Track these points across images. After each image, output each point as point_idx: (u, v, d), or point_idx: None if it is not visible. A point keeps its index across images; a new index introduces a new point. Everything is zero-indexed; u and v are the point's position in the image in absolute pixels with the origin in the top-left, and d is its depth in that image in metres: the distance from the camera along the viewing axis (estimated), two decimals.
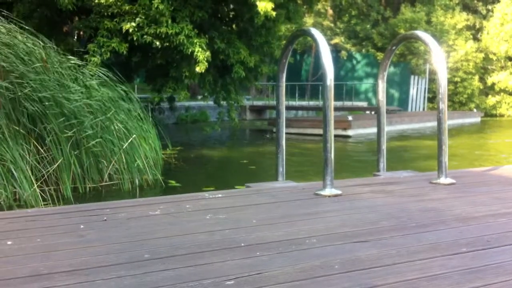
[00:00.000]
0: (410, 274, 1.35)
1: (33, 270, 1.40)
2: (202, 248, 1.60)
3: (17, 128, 5.40)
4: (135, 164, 6.38)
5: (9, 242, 1.66)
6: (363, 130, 12.72)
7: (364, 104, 20.76)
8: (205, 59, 7.79)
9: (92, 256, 1.53)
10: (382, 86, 3.11)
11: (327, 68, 2.39)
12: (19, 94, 5.53)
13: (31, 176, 5.16)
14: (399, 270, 1.39)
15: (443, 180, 2.67)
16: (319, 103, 17.33)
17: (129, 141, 6.40)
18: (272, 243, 1.65)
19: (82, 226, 1.86)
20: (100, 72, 7.44)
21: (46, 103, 5.76)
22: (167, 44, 7.93)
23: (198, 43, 7.79)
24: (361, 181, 2.78)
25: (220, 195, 2.38)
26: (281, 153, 2.74)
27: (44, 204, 4.95)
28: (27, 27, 6.50)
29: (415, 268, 1.40)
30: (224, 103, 9.81)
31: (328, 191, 2.34)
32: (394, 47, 3.13)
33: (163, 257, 1.52)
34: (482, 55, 22.97)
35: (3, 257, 1.52)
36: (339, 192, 2.35)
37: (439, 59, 2.70)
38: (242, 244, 1.63)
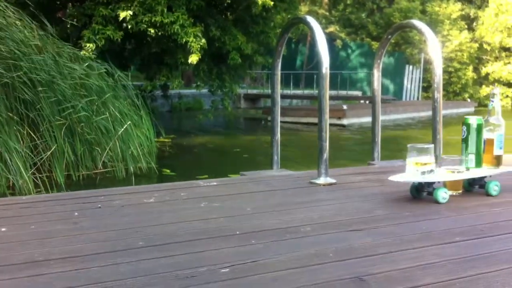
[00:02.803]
0: (404, 262, 1.36)
1: (28, 257, 1.40)
2: (197, 236, 1.60)
3: (11, 114, 5.37)
4: (129, 152, 6.37)
5: (3, 229, 1.66)
6: (357, 120, 12.73)
7: (358, 93, 20.75)
8: (199, 49, 7.76)
9: (87, 243, 1.53)
10: (377, 75, 3.11)
11: (323, 57, 2.38)
12: (13, 79, 5.50)
13: (25, 163, 5.14)
14: (393, 258, 1.40)
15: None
16: (314, 92, 17.31)
17: (123, 128, 6.39)
18: (267, 231, 1.65)
19: (76, 213, 1.85)
20: (95, 59, 7.41)
21: (40, 88, 5.72)
22: (162, 33, 7.89)
23: (192, 33, 7.75)
24: (356, 170, 2.78)
25: (215, 183, 2.38)
26: (276, 141, 2.74)
27: (37, 191, 4.93)
28: (24, 14, 6.45)
29: (409, 256, 1.41)
30: (218, 91, 9.79)
31: (323, 180, 2.34)
32: (389, 36, 3.12)
33: (158, 244, 1.52)
34: (476, 45, 22.99)
35: None
36: (333, 180, 2.36)
37: (435, 48, 2.70)
38: (237, 232, 1.63)
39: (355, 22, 23.50)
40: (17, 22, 6.24)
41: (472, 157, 2.10)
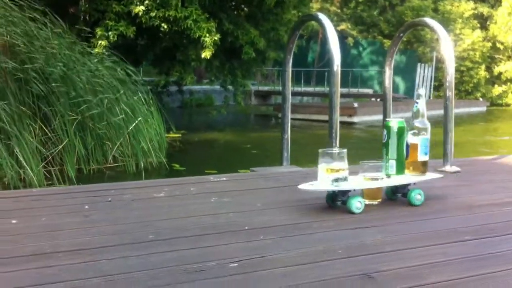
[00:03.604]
0: (413, 260, 1.36)
1: (38, 249, 1.41)
2: (206, 231, 1.60)
3: (23, 108, 5.41)
4: (140, 147, 6.40)
5: (13, 221, 1.67)
6: (368, 117, 12.69)
7: (369, 91, 20.68)
8: (212, 44, 7.76)
9: (97, 236, 1.54)
10: (389, 73, 3.09)
11: (334, 54, 2.38)
12: (26, 73, 5.53)
13: (37, 156, 5.18)
14: (402, 256, 1.39)
15: (448, 168, 2.66)
16: (325, 89, 17.28)
17: (134, 124, 6.41)
18: (276, 227, 1.65)
19: (86, 207, 1.86)
20: (107, 55, 7.44)
21: (53, 84, 5.76)
22: (175, 28, 7.90)
23: (206, 28, 7.75)
24: None
25: (224, 179, 2.39)
26: (286, 138, 2.74)
27: (48, 184, 4.97)
28: (38, 9, 6.49)
29: (418, 255, 1.41)
30: (230, 87, 9.79)
31: None
32: (401, 34, 3.11)
33: (168, 238, 1.53)
34: (489, 44, 22.81)
35: (8, 236, 1.53)
36: None
37: (447, 47, 2.68)
38: (246, 228, 1.63)
39: (367, 20, 23.40)
40: (29, 16, 6.28)
41: (393, 163, 1.90)
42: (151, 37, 9.15)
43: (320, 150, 1.80)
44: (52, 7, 6.94)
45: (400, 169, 1.91)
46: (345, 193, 1.80)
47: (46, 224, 1.66)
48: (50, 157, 5.41)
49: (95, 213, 1.79)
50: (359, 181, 1.86)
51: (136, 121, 6.45)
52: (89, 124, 5.94)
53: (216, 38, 7.70)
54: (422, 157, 1.95)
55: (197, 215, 1.78)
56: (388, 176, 1.90)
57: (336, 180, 1.76)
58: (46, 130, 5.57)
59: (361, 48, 23.15)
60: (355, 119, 12.25)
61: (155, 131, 7.08)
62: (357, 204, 1.78)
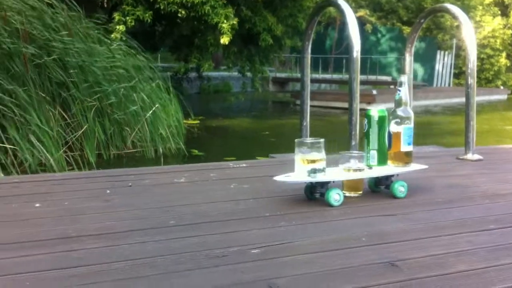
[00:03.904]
0: (437, 249, 1.34)
1: (62, 233, 1.42)
2: (227, 217, 1.60)
3: (43, 94, 5.44)
4: (158, 133, 6.42)
5: (37, 205, 1.68)
6: (387, 105, 12.59)
7: (388, 78, 20.50)
8: (230, 29, 7.73)
9: (119, 221, 1.55)
10: (409, 60, 3.05)
11: (354, 40, 2.35)
12: (45, 59, 5.56)
13: (57, 141, 5.23)
14: (426, 245, 1.38)
15: (470, 156, 2.63)
16: (343, 76, 17.18)
17: (152, 110, 6.43)
18: (296, 214, 1.64)
19: (108, 191, 1.87)
20: (124, 41, 7.45)
21: (71, 71, 5.79)
22: (193, 14, 7.88)
23: (223, 14, 7.72)
24: None
25: (244, 165, 2.38)
26: (305, 125, 2.72)
27: (69, 169, 5.02)
28: None
29: (442, 243, 1.39)
30: (249, 73, 9.77)
31: None
32: (422, 20, 3.06)
33: (188, 224, 1.53)
34: (510, 31, 22.44)
35: (32, 219, 1.54)
36: None
37: (469, 33, 2.64)
38: (267, 214, 1.63)
39: (386, 7, 23.15)
40: (47, 2, 6.31)
41: (374, 154, 1.82)
42: (169, 23, 9.15)
43: (296, 140, 1.73)
44: None
45: (382, 160, 1.84)
46: (323, 184, 1.73)
47: (68, 208, 1.67)
48: (70, 143, 5.45)
49: (117, 198, 1.80)
50: (338, 173, 1.77)
51: (154, 108, 6.47)
52: (107, 110, 5.97)
53: (234, 22, 7.67)
54: (405, 147, 1.86)
55: (218, 201, 1.78)
56: (370, 167, 1.83)
57: (313, 171, 1.68)
58: (66, 116, 5.61)
59: (379, 35, 22.93)
60: (374, 106, 12.16)
61: (173, 117, 7.11)
62: (335, 197, 1.70)
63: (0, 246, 1.32)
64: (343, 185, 1.81)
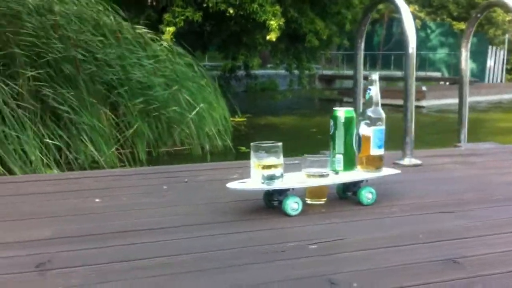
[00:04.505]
0: (500, 246, 1.31)
1: (121, 227, 1.46)
2: (282, 212, 1.60)
3: (94, 96, 5.59)
4: (205, 131, 6.50)
5: (97, 200, 1.73)
6: (437, 101, 12.33)
7: (437, 74, 20.09)
8: (278, 27, 7.75)
9: (176, 216, 1.57)
10: (465, 55, 2.99)
11: (409, 36, 2.31)
12: (95, 63, 5.73)
13: (108, 140, 5.36)
14: (488, 242, 1.35)
15: None
16: (391, 73, 16.93)
17: (198, 108, 6.51)
18: (352, 210, 1.63)
19: (165, 187, 1.90)
20: (173, 41, 7.57)
21: (120, 73, 5.93)
22: (241, 12, 7.94)
23: (271, 11, 7.75)
24: (442, 152, 2.70)
25: (297, 162, 2.38)
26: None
27: (121, 166, 5.14)
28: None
29: (504, 240, 1.36)
30: (295, 71, 9.78)
31: (407, 161, 2.29)
32: (478, 15, 2.99)
33: (245, 219, 1.54)
34: None
35: (94, 214, 1.59)
36: (419, 162, 2.30)
37: None
38: (323, 210, 1.62)
39: (435, 2, 22.68)
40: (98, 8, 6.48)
41: (340, 158, 1.67)
42: (217, 22, 9.24)
43: (251, 144, 1.58)
44: None
45: (348, 165, 1.68)
46: (281, 192, 1.58)
47: (127, 203, 1.71)
48: (122, 141, 5.58)
49: (173, 194, 1.83)
50: (299, 179, 1.63)
51: (201, 105, 6.55)
52: (156, 109, 6.08)
53: (281, 23, 7.69)
54: (375, 150, 1.69)
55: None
56: (336, 172, 1.68)
57: (270, 178, 1.54)
58: (116, 116, 5.75)
59: (428, 31, 22.50)
60: (424, 103, 11.93)
61: (221, 115, 7.18)
62: (292, 205, 1.55)
63: (64, 240, 1.36)
64: (305, 192, 1.67)
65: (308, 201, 1.66)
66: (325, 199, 1.69)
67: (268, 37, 7.83)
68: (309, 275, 1.14)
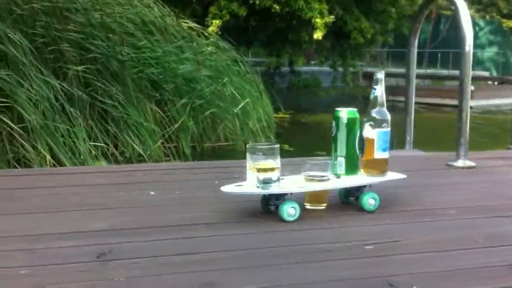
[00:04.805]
0: None
1: (177, 220, 1.48)
2: (334, 212, 1.59)
3: (140, 92, 5.69)
4: (249, 126, 6.53)
5: (152, 193, 1.76)
6: (485, 101, 12.04)
7: (485, 73, 19.61)
8: (323, 25, 7.71)
9: (230, 210, 1.58)
10: None
11: (466, 33, 2.26)
12: (141, 60, 5.82)
13: (154, 134, 5.45)
14: None
15: None
16: (437, 71, 16.61)
17: (242, 104, 6.54)
18: (404, 212, 1.61)
19: (216, 182, 1.92)
20: (219, 36, 7.62)
21: (166, 68, 6.01)
22: (287, 9, 7.93)
23: (318, 9, 7.72)
24: (496, 154, 2.64)
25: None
26: (409, 121, 2.66)
27: (166, 160, 5.21)
28: None
29: None
30: (340, 68, 9.72)
31: (461, 162, 2.24)
32: None
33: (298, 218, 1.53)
34: None
35: (149, 206, 1.62)
36: (473, 164, 2.25)
37: None
38: (377, 211, 1.60)
39: None
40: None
41: (341, 161, 1.58)
42: (262, 18, 9.25)
43: (248, 145, 1.52)
44: None
45: (350, 169, 1.59)
46: (279, 196, 1.50)
47: (180, 197, 1.73)
48: (167, 136, 5.66)
49: None
50: (298, 182, 1.54)
51: (245, 102, 6.58)
52: (200, 104, 6.14)
53: (328, 20, 7.66)
54: (379, 154, 1.59)
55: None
56: (338, 176, 1.59)
57: (265, 181, 1.46)
58: (161, 111, 5.83)
59: (477, 28, 21.98)
60: (472, 103, 11.58)
61: (264, 111, 7.19)
62: (289, 211, 1.46)
63: (123, 231, 1.39)
64: (304, 196, 1.58)
65: (308, 206, 1.58)
66: (325, 204, 1.60)
67: (315, 36, 7.81)
68: (367, 276, 1.13)
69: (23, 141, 4.30)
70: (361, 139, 1.60)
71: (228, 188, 1.49)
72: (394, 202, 1.71)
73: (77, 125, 4.71)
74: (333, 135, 1.60)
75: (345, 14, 8.59)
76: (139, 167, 2.53)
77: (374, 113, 1.60)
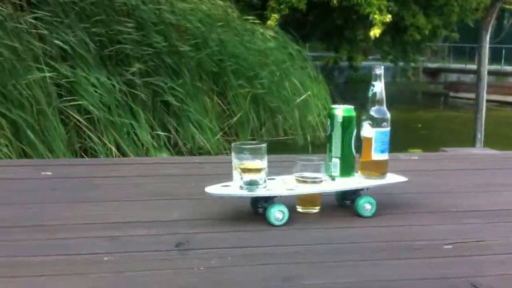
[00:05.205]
0: None
1: (250, 212, 1.49)
2: (406, 209, 1.57)
3: (201, 84, 5.77)
4: (308, 121, 6.51)
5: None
6: None
7: None
8: (381, 21, 7.61)
9: None
10: None
11: None
12: (201, 53, 5.89)
13: (214, 127, 5.51)
14: None
15: None
16: (501, 67, 16.06)
17: (302, 97, 6.52)
18: (478, 212, 1.57)
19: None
20: (277, 30, 7.63)
21: (227, 62, 6.06)
22: (345, 3, 7.87)
23: (377, 5, 7.62)
24: None
25: (415, 157, 2.33)
26: (480, 118, 2.59)
27: (225, 153, 5.27)
28: None
29: None
30: (400, 63, 9.57)
31: None
32: None
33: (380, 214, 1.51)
34: None
35: (218, 198, 1.63)
36: None
37: None
38: (453, 210, 1.57)
39: None
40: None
41: (336, 162, 1.47)
42: (321, 12, 9.20)
43: (233, 144, 1.42)
44: None
45: (346, 170, 1.48)
46: (268, 198, 1.41)
47: None
48: (227, 128, 5.72)
49: None
50: (288, 184, 1.45)
51: (304, 95, 6.56)
52: (260, 98, 6.17)
53: (387, 19, 7.56)
54: (377, 155, 1.48)
55: (392, 193, 1.73)
56: (332, 178, 1.49)
57: (251, 183, 1.38)
58: (222, 104, 5.89)
59: None
60: None
61: (323, 106, 7.16)
62: (276, 215, 1.37)
63: (198, 222, 1.41)
64: (296, 198, 1.49)
65: (300, 209, 1.49)
66: (319, 208, 1.50)
67: (371, 33, 7.72)
68: (448, 276, 1.11)
69: (90, 133, 4.45)
70: (359, 139, 1.50)
71: (211, 189, 1.40)
72: (467, 201, 1.67)
73: (140, 119, 4.83)
74: (327, 134, 1.50)
75: (401, 10, 8.45)
76: (207, 159, 2.57)
77: (372, 111, 1.48)
